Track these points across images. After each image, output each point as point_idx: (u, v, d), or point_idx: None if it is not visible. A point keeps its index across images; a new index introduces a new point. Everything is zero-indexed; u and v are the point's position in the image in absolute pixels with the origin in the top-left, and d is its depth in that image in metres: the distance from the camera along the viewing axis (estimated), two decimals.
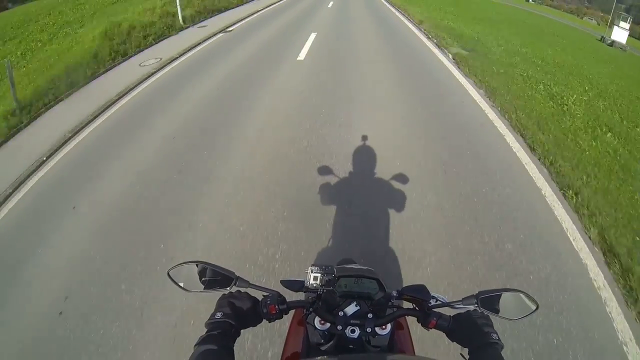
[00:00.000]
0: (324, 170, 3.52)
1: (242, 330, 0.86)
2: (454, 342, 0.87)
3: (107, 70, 7.09)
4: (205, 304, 1.90)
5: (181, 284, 0.89)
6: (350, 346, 0.88)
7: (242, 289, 0.92)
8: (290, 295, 0.95)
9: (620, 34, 16.65)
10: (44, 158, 4.29)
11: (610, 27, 17.57)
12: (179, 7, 10.04)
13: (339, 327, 0.86)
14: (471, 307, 0.88)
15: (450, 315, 0.89)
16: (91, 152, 4.39)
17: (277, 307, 0.89)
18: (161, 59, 7.49)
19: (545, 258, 2.62)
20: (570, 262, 2.63)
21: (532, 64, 7.68)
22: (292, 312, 1.00)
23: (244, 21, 11.30)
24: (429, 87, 5.92)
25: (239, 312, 0.87)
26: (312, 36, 9.06)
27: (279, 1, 15.37)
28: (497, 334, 0.81)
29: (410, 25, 11.05)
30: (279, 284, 1.01)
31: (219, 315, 0.84)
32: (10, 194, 3.74)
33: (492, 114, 4.87)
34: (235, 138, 4.29)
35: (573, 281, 2.47)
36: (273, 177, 3.53)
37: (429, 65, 7.13)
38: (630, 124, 5.18)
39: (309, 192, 3.29)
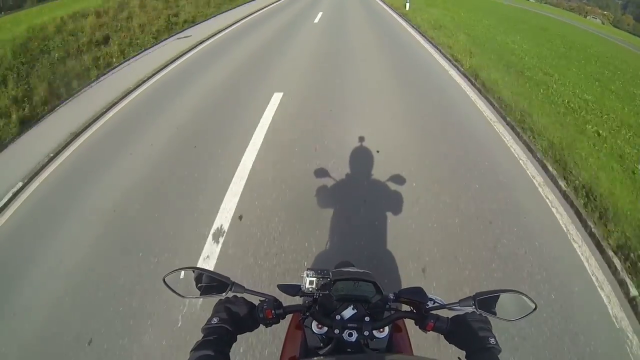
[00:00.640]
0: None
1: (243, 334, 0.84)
2: (452, 345, 0.86)
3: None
4: None
5: (177, 291, 0.88)
6: (348, 350, 0.88)
7: (239, 294, 0.91)
8: (287, 300, 0.94)
9: None
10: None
11: None
12: None
13: (337, 331, 0.86)
14: (469, 309, 0.88)
15: (448, 317, 0.88)
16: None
17: (273, 311, 0.89)
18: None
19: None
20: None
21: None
22: (289, 316, 0.99)
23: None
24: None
25: (236, 317, 0.86)
26: (276, 99, 5.13)
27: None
28: (494, 337, 0.80)
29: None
30: (276, 289, 1.00)
31: (215, 320, 0.83)
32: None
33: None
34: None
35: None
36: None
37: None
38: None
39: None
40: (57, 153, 4.27)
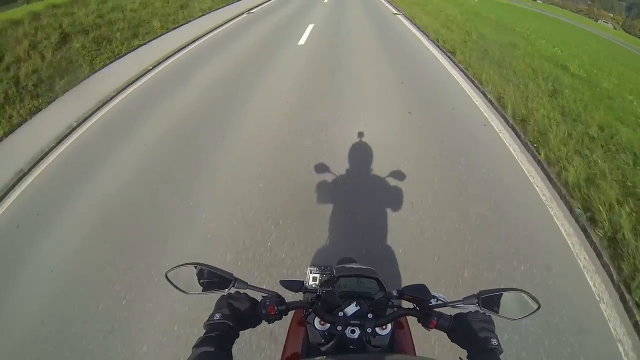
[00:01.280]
0: None
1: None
2: (454, 343, 0.86)
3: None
4: None
5: (179, 286, 0.88)
6: (351, 346, 0.88)
7: (241, 290, 0.92)
8: (290, 296, 0.95)
9: None
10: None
11: None
12: None
13: (339, 328, 0.86)
14: (472, 307, 0.87)
15: (451, 315, 0.88)
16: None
17: (276, 307, 0.89)
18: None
19: None
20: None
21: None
22: (291, 312, 0.99)
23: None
24: None
25: (238, 313, 0.86)
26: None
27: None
28: (497, 338, 0.80)
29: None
30: (278, 285, 1.01)
31: (217, 316, 0.83)
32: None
33: None
34: None
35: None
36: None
37: None
38: None
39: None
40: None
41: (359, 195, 3.10)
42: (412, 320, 1.00)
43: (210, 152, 3.75)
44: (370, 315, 0.87)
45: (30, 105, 4.96)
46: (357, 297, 0.91)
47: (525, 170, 3.56)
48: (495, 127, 4.35)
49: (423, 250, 2.59)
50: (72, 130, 4.43)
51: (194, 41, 7.94)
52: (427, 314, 0.88)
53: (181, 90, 5.35)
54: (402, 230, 2.74)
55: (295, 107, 4.68)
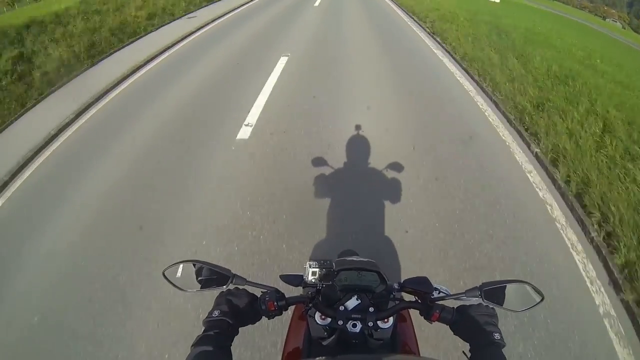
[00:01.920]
0: None
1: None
2: (457, 337, 0.84)
3: None
4: None
5: (177, 284, 0.87)
6: (353, 340, 0.87)
7: (240, 287, 0.90)
8: (290, 291, 0.93)
9: None
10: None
11: None
12: None
13: (340, 322, 0.85)
14: (474, 299, 0.86)
15: (453, 308, 0.86)
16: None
17: (275, 303, 0.87)
18: None
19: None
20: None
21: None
22: (292, 307, 0.98)
23: None
24: None
25: (237, 309, 0.85)
26: None
27: None
28: (500, 332, 0.79)
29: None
30: (278, 280, 1.00)
31: (216, 313, 0.82)
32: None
33: None
34: None
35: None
36: None
37: None
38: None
39: None
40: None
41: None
42: (414, 314, 0.99)
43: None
44: (371, 309, 0.86)
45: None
46: (358, 291, 0.89)
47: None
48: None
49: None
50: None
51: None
52: (429, 307, 0.87)
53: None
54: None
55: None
